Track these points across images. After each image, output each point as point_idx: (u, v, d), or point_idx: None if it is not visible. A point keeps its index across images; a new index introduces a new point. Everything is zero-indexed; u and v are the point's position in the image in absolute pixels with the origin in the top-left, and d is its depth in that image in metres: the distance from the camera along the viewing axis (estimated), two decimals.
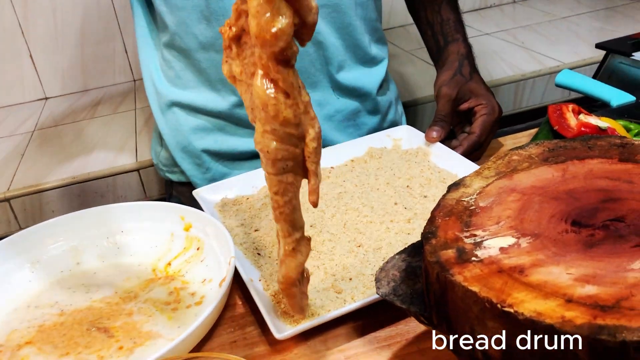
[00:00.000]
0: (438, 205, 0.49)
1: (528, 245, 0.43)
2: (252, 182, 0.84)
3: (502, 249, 0.41)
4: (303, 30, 0.42)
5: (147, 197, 1.23)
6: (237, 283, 0.65)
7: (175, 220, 0.73)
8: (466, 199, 0.49)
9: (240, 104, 0.92)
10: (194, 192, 0.80)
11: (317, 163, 0.44)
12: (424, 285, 0.45)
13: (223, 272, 0.62)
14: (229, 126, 0.91)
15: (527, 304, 0.37)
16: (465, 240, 0.43)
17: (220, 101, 0.92)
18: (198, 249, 0.71)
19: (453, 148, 0.86)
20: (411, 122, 1.11)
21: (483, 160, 0.88)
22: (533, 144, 0.56)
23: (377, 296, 0.55)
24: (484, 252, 0.41)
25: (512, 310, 0.37)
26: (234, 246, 0.62)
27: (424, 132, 0.89)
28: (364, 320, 0.58)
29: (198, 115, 0.93)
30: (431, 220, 0.46)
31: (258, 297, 0.57)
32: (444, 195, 0.51)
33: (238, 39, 0.45)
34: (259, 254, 0.70)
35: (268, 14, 0.39)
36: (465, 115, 0.92)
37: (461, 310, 0.39)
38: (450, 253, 0.42)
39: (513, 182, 0.51)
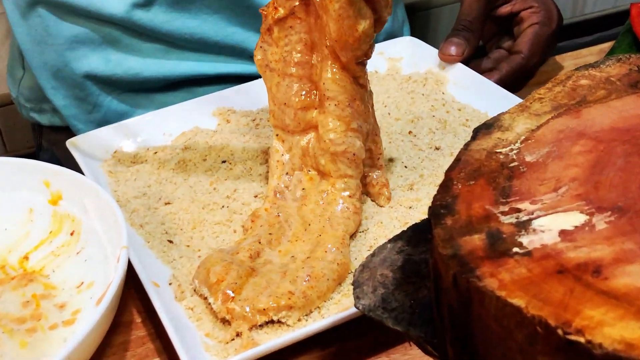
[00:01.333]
0: (457, 160, 0.47)
1: (608, 227, 0.40)
2: (164, 127, 0.83)
3: (564, 234, 0.40)
4: (377, 24, 0.59)
5: (8, 152, 1.22)
6: (135, 289, 0.65)
7: (35, 188, 0.71)
8: (503, 151, 0.47)
9: (145, 5, 0.87)
10: (69, 142, 0.78)
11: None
12: (432, 294, 0.44)
13: (110, 272, 0.62)
14: (126, 38, 0.91)
15: (609, 329, 0.34)
16: (503, 218, 0.42)
17: None
18: (72, 233, 0.69)
19: (483, 73, 0.86)
20: (418, 32, 1.09)
21: (529, 91, 0.87)
22: (612, 59, 0.54)
23: (355, 310, 0.56)
24: (533, 238, 0.40)
25: (582, 340, 0.34)
26: (127, 229, 0.62)
27: (437, 47, 0.89)
28: (337, 347, 0.59)
29: (78, 19, 0.89)
30: (446, 186, 0.45)
31: (166, 313, 0.57)
32: (468, 145, 0.48)
33: (282, 21, 0.62)
34: (170, 241, 0.68)
35: (350, 17, 0.57)
36: (505, 24, 0.92)
37: (495, 338, 0.38)
38: (476, 240, 0.41)
39: (581, 121, 0.49)
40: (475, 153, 0.47)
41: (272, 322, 0.58)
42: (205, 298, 0.60)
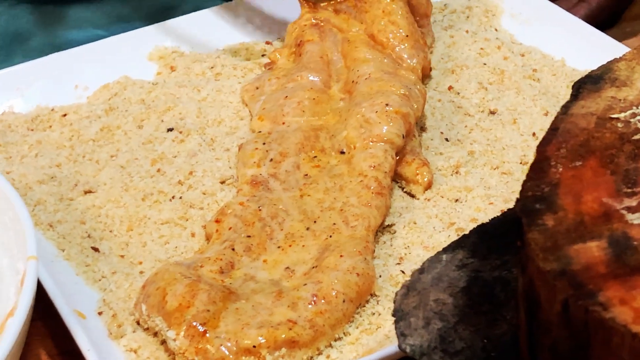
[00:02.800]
0: (554, 130, 0.48)
1: None
2: (75, 75, 0.83)
3: None
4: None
5: None
6: (44, 321, 0.65)
7: None
8: (622, 116, 0.48)
9: None
10: None
11: None
12: (521, 330, 0.45)
13: (7, 296, 0.62)
14: None
15: None
16: (630, 217, 0.43)
17: None
18: None
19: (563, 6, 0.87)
20: None
21: (625, 29, 0.89)
22: None
23: (392, 351, 0.57)
24: None
25: None
26: (34, 234, 0.61)
27: None
28: None
29: None
30: (540, 169, 0.46)
31: (98, 357, 0.58)
32: (567, 108, 0.50)
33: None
34: (95, 248, 0.68)
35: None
36: None
37: None
38: (595, 250, 0.42)
39: None
40: (580, 120, 0.48)
41: None
42: (157, 333, 0.60)
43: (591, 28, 0.82)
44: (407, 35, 0.79)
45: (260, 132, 0.75)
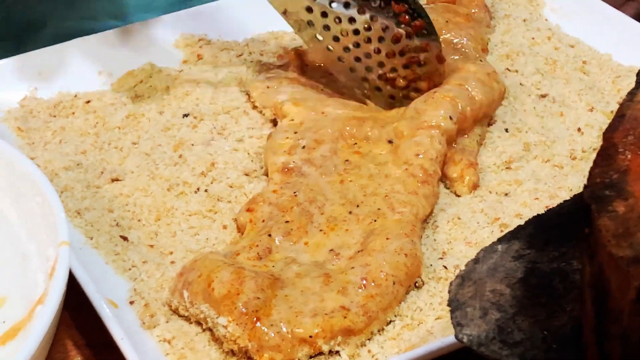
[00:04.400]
0: (621, 117, 0.48)
1: None
2: (99, 62, 0.83)
3: None
4: None
5: None
6: (71, 310, 0.64)
7: None
8: None
9: None
10: None
11: None
12: (587, 320, 0.44)
13: (36, 282, 0.62)
14: None
15: None
16: None
17: None
18: None
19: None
20: None
21: None
22: None
23: (450, 342, 0.56)
24: None
25: None
26: (66, 221, 0.61)
27: None
28: None
29: None
30: (608, 156, 0.46)
31: (136, 351, 0.57)
32: (633, 95, 0.49)
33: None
34: (124, 237, 0.68)
35: None
36: None
37: None
38: None
39: None
40: None
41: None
42: (199, 321, 0.60)
43: (638, 25, 0.83)
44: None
45: (292, 120, 0.75)
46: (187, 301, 0.61)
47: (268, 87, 0.80)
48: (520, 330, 0.47)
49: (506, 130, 0.76)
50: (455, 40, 0.82)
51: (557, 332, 0.47)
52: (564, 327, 0.47)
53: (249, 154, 0.75)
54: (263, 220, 0.67)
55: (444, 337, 0.57)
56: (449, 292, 0.50)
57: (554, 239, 0.52)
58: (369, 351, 0.60)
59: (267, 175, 0.72)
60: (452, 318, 0.49)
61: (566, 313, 0.48)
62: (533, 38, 0.84)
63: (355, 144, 0.71)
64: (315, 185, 0.68)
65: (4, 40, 0.97)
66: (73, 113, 0.79)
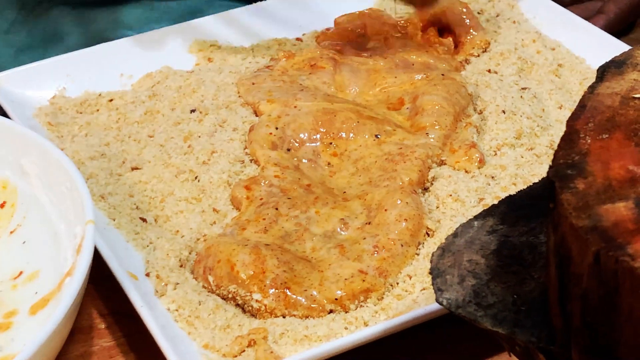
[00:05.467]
0: (582, 107, 0.50)
1: None
2: (120, 65, 0.88)
3: None
4: None
5: None
6: (95, 283, 0.66)
7: None
8: None
9: None
10: None
11: None
12: (552, 284, 0.46)
13: (64, 257, 0.64)
14: None
15: None
16: None
17: None
18: (3, 205, 0.71)
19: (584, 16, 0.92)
20: None
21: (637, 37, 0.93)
22: None
23: (433, 308, 0.60)
24: None
25: None
26: (92, 203, 0.64)
27: None
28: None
29: None
30: (570, 140, 0.47)
31: (154, 318, 0.61)
32: (593, 88, 0.51)
33: None
34: (143, 219, 0.72)
35: None
36: None
37: None
38: (622, 209, 0.43)
39: None
40: (606, 98, 0.50)
41: (295, 328, 0.62)
42: (228, 296, 0.64)
43: (611, 39, 0.86)
44: None
45: (270, 115, 0.79)
46: (214, 285, 0.65)
47: (253, 84, 0.83)
48: (494, 294, 0.49)
49: (503, 111, 0.80)
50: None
51: (526, 296, 0.49)
52: (532, 291, 0.49)
53: (242, 142, 0.79)
54: (261, 199, 0.71)
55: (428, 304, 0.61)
56: (431, 262, 0.53)
57: (524, 216, 0.53)
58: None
59: (256, 163, 0.76)
60: (433, 284, 0.51)
61: (534, 280, 0.50)
62: (522, 39, 0.89)
63: (331, 143, 0.76)
64: (311, 177, 0.73)
65: (31, 49, 1.00)
66: (97, 110, 0.83)
